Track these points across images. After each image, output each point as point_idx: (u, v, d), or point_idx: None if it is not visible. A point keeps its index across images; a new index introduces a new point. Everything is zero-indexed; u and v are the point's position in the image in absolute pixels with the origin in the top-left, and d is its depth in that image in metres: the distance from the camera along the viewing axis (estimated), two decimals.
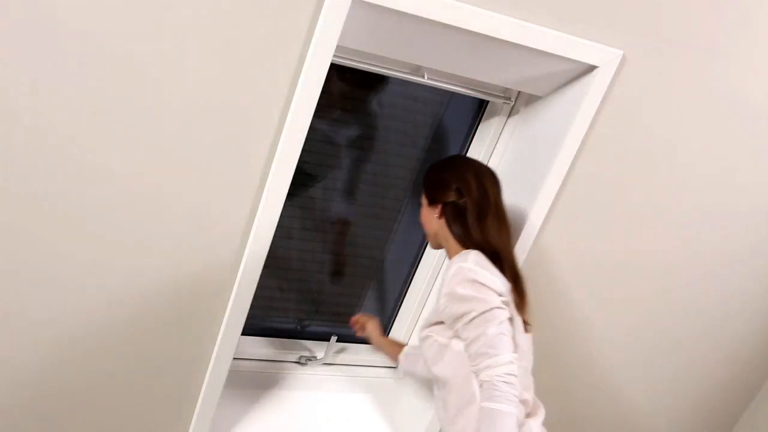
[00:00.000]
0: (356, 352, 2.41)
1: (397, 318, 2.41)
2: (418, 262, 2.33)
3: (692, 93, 1.95)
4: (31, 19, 1.29)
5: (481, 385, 1.54)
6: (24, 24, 1.29)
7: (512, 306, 1.66)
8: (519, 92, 2.04)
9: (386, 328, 2.46)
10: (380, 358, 2.42)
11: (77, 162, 1.46)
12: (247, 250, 1.68)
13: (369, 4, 1.48)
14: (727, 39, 1.88)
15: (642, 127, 1.96)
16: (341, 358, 2.38)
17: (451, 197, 1.74)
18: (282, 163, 1.59)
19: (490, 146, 2.12)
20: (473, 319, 1.56)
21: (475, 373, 1.57)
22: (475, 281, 1.58)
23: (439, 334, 1.69)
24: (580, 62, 1.76)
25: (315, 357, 2.31)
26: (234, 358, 1.85)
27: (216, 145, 1.54)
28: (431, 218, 1.80)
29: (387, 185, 2.21)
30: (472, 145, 2.15)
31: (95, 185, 1.50)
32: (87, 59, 1.36)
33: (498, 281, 1.61)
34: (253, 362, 2.22)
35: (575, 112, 1.85)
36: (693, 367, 2.68)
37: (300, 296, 2.35)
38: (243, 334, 1.84)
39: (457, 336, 1.65)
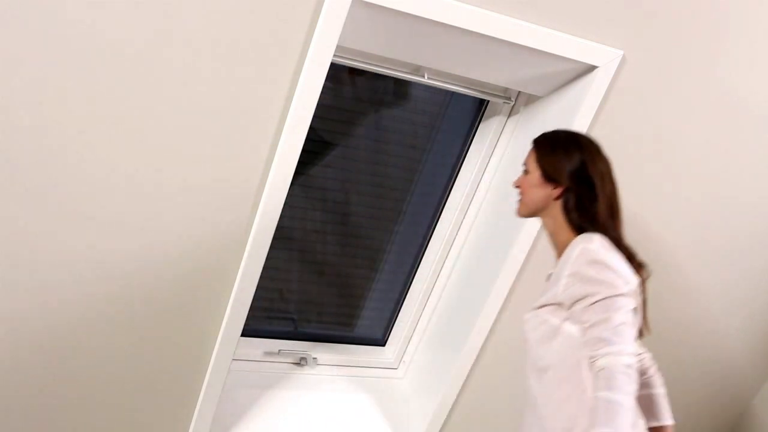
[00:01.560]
0: (355, 352, 2.41)
1: (397, 318, 2.41)
2: (419, 262, 2.33)
3: (692, 93, 1.95)
4: (37, 16, 1.29)
5: (597, 374, 1.41)
6: (30, 21, 1.29)
7: (639, 299, 1.55)
8: (519, 92, 2.04)
9: (386, 328, 2.46)
10: (380, 359, 2.42)
11: (81, 156, 1.46)
12: (247, 248, 1.68)
13: (369, 4, 1.48)
14: (727, 39, 1.88)
15: (642, 126, 1.96)
16: (340, 358, 2.38)
17: (581, 186, 1.58)
18: (283, 162, 1.59)
19: (490, 146, 2.12)
20: (597, 302, 1.45)
21: (590, 359, 1.45)
22: (602, 263, 1.47)
23: (552, 314, 1.57)
24: (580, 62, 1.76)
25: (315, 358, 2.31)
26: (234, 359, 1.85)
27: (216, 144, 1.54)
28: (541, 194, 1.62)
29: (387, 185, 2.20)
30: (472, 145, 2.15)
31: (96, 184, 1.50)
32: (93, 58, 1.36)
33: (626, 268, 1.51)
34: (253, 363, 2.22)
35: (575, 112, 1.85)
36: (693, 367, 2.68)
37: (300, 297, 2.35)
38: (243, 335, 1.84)
39: (570, 318, 1.53)
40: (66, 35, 1.32)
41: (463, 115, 2.14)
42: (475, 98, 2.06)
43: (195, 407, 1.89)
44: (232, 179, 1.60)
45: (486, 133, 2.12)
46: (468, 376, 2.21)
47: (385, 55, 1.71)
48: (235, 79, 1.48)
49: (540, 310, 1.61)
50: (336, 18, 1.46)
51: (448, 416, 2.28)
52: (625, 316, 1.43)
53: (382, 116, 2.10)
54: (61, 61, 1.35)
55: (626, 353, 1.40)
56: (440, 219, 2.27)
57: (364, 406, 2.28)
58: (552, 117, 1.94)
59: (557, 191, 1.60)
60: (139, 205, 1.55)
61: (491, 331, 2.14)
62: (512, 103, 2.05)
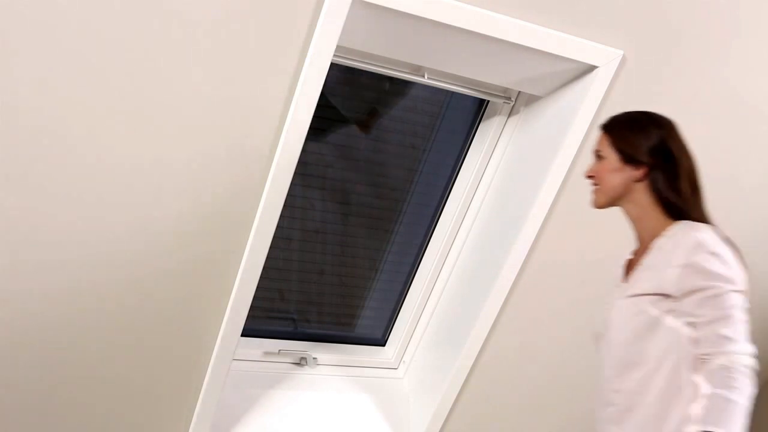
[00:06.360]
0: (355, 352, 2.41)
1: (397, 318, 2.41)
2: (419, 262, 2.33)
3: (692, 93, 1.95)
4: (41, 15, 1.29)
5: (714, 371, 1.34)
6: (32, 20, 1.29)
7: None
8: (519, 92, 2.04)
9: (386, 328, 2.46)
10: (380, 358, 2.42)
11: (77, 160, 1.46)
12: (247, 248, 1.68)
13: (369, 4, 1.48)
14: (726, 39, 1.88)
15: None
16: (340, 358, 2.38)
17: (666, 164, 1.50)
18: (282, 162, 1.59)
19: (490, 146, 2.12)
20: (715, 296, 1.36)
21: (706, 356, 1.36)
22: (720, 256, 1.39)
23: (652, 305, 1.46)
24: (580, 62, 1.76)
25: (315, 358, 2.31)
26: (234, 359, 1.85)
27: (216, 144, 1.54)
28: (621, 178, 1.52)
29: (387, 185, 2.20)
30: (472, 145, 2.15)
31: (96, 184, 1.50)
32: (95, 58, 1.36)
33: (740, 265, 1.43)
34: (253, 363, 2.22)
35: (575, 112, 1.85)
36: None
37: (300, 297, 2.35)
38: (243, 335, 1.84)
39: (676, 312, 1.43)
40: (71, 32, 1.33)
41: (463, 115, 2.14)
42: (475, 98, 2.06)
43: (195, 407, 1.89)
44: (232, 179, 1.60)
45: (486, 133, 2.12)
46: (468, 376, 2.21)
47: (385, 55, 1.71)
48: (234, 79, 1.48)
49: (638, 298, 1.48)
50: (336, 18, 1.46)
51: (448, 416, 2.28)
52: (744, 314, 1.37)
53: (383, 117, 2.10)
54: (67, 58, 1.35)
55: (748, 353, 1.34)
56: (440, 219, 2.27)
57: (364, 406, 2.28)
58: (552, 117, 1.94)
59: (640, 172, 1.51)
60: (140, 206, 1.55)
61: (491, 331, 2.14)
62: (512, 103, 2.05)
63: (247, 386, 2.15)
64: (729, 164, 2.15)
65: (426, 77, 1.86)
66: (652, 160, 1.50)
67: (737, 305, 1.36)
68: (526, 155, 2.02)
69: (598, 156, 1.57)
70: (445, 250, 2.26)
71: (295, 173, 1.63)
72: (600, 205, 1.59)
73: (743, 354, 1.33)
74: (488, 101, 2.08)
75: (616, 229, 2.16)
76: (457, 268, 2.26)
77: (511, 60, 1.75)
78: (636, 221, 1.57)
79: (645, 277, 1.49)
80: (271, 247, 1.70)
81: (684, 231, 1.45)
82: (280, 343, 2.29)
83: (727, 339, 1.34)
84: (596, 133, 1.91)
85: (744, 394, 1.30)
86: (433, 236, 2.29)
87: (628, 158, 1.52)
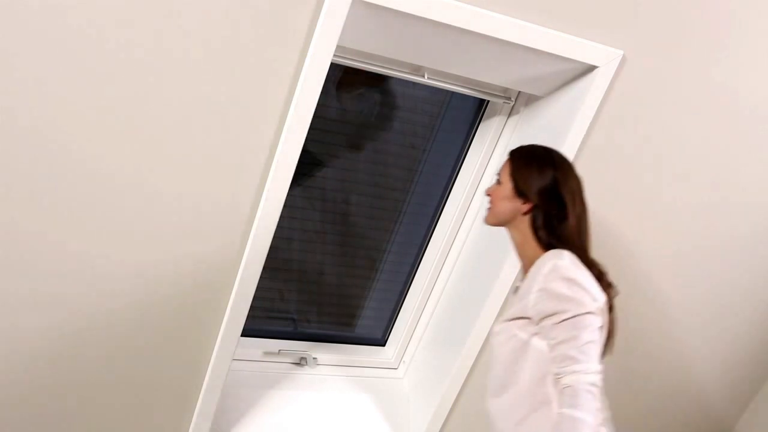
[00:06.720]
0: (355, 352, 2.41)
1: (397, 318, 2.41)
2: (419, 262, 2.33)
3: (692, 93, 1.95)
4: (37, 19, 1.29)
5: (562, 390, 1.45)
6: (30, 23, 1.29)
7: (605, 317, 1.56)
8: (519, 92, 2.04)
9: (386, 328, 2.46)
10: (380, 358, 2.42)
11: (78, 160, 1.46)
12: (248, 248, 1.68)
13: (369, 4, 1.48)
14: (726, 39, 1.88)
15: (642, 126, 1.96)
16: (340, 358, 2.38)
17: (550, 205, 1.59)
18: (283, 163, 1.59)
19: (490, 146, 2.12)
20: (566, 320, 1.47)
21: (557, 375, 1.48)
22: (573, 281, 1.49)
23: (520, 329, 1.58)
24: (580, 62, 1.76)
25: (315, 358, 2.31)
26: (234, 359, 1.85)
27: (216, 144, 1.54)
28: (510, 206, 1.63)
29: (387, 185, 2.20)
30: (472, 145, 2.15)
31: (97, 183, 1.50)
32: (91, 59, 1.36)
33: (596, 286, 1.53)
34: (253, 363, 2.22)
35: (575, 112, 1.85)
36: (693, 367, 2.68)
37: (300, 297, 2.35)
38: (243, 335, 1.84)
39: (540, 334, 1.55)
40: (70, 35, 1.33)
41: (463, 115, 2.14)
42: (475, 98, 2.06)
43: (195, 407, 1.89)
44: (232, 179, 1.60)
45: (486, 133, 2.12)
46: (468, 376, 2.21)
47: (385, 55, 1.71)
48: (235, 79, 1.48)
49: (510, 323, 1.61)
50: (336, 18, 1.46)
51: (448, 416, 2.28)
52: (592, 334, 1.45)
53: (382, 116, 2.10)
54: (65, 62, 1.35)
55: (592, 371, 1.43)
56: (440, 219, 2.27)
57: (364, 406, 2.28)
58: (552, 117, 1.94)
59: (526, 206, 1.61)
60: (140, 202, 1.55)
61: (491, 331, 2.14)
62: (512, 103, 2.05)
63: (247, 386, 2.15)
64: (729, 164, 2.15)
65: (426, 77, 1.86)
66: (538, 200, 1.59)
67: (586, 326, 1.45)
68: None
69: (498, 179, 1.67)
70: (445, 250, 2.27)
71: (296, 173, 1.63)
72: (489, 224, 1.70)
73: (588, 373, 1.42)
74: (488, 101, 2.08)
75: (616, 228, 2.16)
76: (457, 268, 2.26)
77: (511, 60, 1.75)
78: (518, 247, 1.67)
79: (515, 301, 1.61)
80: (271, 247, 1.70)
81: (545, 259, 1.55)
82: (280, 343, 2.29)
83: (573, 359, 1.44)
84: (595, 133, 1.92)
85: (587, 409, 1.40)
86: (433, 236, 2.29)
87: (519, 192, 1.61)
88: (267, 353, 2.24)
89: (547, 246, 1.59)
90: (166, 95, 1.45)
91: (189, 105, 1.48)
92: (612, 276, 2.26)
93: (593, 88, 1.81)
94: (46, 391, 1.73)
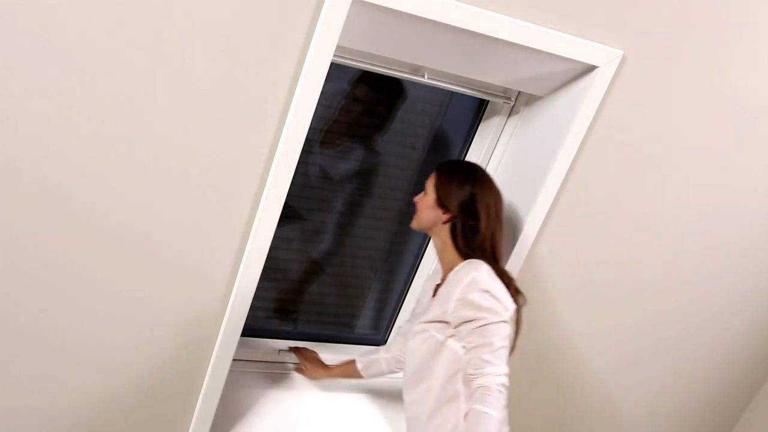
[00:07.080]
0: (355, 352, 2.41)
1: (397, 318, 2.41)
2: (419, 263, 2.33)
3: (692, 93, 1.95)
4: (34, 24, 1.29)
5: (476, 389, 1.63)
6: (29, 28, 1.29)
7: (513, 324, 1.73)
8: (519, 92, 2.04)
9: (386, 329, 2.46)
10: None
11: (75, 172, 1.46)
12: (248, 248, 1.68)
13: (369, 4, 1.48)
14: (726, 39, 1.88)
15: (642, 127, 1.96)
16: (341, 358, 2.37)
17: (467, 217, 1.76)
18: (283, 162, 1.59)
19: (490, 146, 2.12)
20: (482, 326, 1.64)
21: (471, 375, 1.65)
22: (489, 292, 1.65)
23: (438, 331, 1.75)
24: (580, 62, 1.76)
25: None
26: (234, 359, 1.85)
27: (217, 141, 1.54)
28: (433, 216, 1.81)
29: (387, 185, 2.20)
30: (472, 145, 2.15)
31: (94, 195, 1.50)
32: (88, 65, 1.36)
33: (508, 296, 1.70)
34: (253, 363, 2.22)
35: (575, 112, 1.85)
36: (693, 368, 2.68)
37: (300, 297, 2.35)
38: (243, 335, 1.84)
39: (456, 336, 1.72)
40: (66, 40, 1.33)
41: (463, 115, 2.14)
42: (475, 98, 2.06)
43: (195, 407, 1.89)
44: (232, 178, 1.60)
45: (486, 133, 2.12)
46: None
47: (385, 55, 1.71)
48: (234, 80, 1.48)
49: (429, 324, 1.77)
50: (336, 18, 1.46)
51: None
52: (503, 340, 1.64)
53: (382, 116, 2.10)
54: (62, 68, 1.35)
55: (502, 374, 1.61)
56: None
57: (363, 406, 2.28)
58: (552, 117, 1.94)
59: (446, 216, 1.78)
60: (136, 216, 1.55)
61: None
62: (512, 103, 2.05)
63: (247, 386, 2.15)
64: (729, 164, 2.15)
65: (426, 77, 1.86)
66: (457, 212, 1.76)
67: (499, 334, 1.64)
68: (526, 155, 2.02)
69: (424, 190, 1.84)
70: None
71: (296, 173, 1.63)
72: (415, 228, 1.88)
73: (498, 375, 1.61)
74: (488, 101, 2.08)
75: (616, 229, 2.16)
76: None
77: (511, 60, 1.75)
78: (439, 252, 1.85)
79: (435, 305, 1.77)
80: (271, 247, 1.70)
81: (466, 269, 1.72)
82: (280, 343, 2.29)
83: (487, 362, 1.62)
84: (595, 133, 1.92)
85: (496, 406, 1.59)
86: None
87: (441, 203, 1.79)
88: (267, 353, 2.24)
89: (464, 254, 1.76)
90: (166, 95, 1.45)
91: (187, 106, 1.48)
92: (612, 276, 2.27)
93: (593, 88, 1.81)
94: (47, 393, 1.73)
